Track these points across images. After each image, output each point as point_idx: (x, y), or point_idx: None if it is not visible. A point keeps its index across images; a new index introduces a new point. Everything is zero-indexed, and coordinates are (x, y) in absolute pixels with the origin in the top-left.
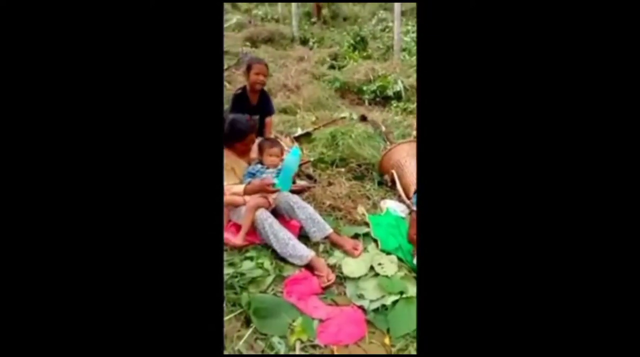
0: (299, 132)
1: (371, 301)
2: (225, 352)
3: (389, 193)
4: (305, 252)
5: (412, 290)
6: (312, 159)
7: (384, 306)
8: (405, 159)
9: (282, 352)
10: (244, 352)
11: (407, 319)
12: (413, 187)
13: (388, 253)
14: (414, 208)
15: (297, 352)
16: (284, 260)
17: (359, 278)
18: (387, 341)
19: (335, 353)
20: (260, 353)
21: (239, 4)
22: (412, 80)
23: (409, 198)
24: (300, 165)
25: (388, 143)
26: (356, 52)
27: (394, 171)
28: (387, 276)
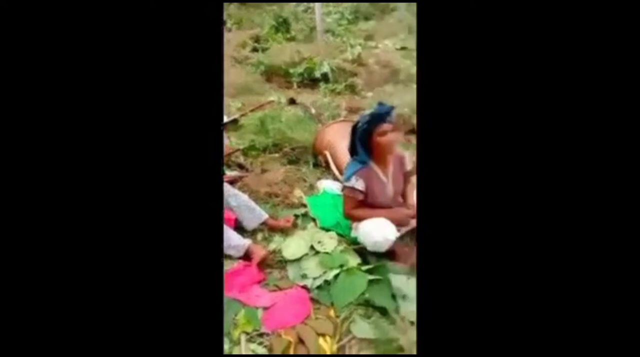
0: (225, 120)
1: (314, 279)
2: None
3: (325, 173)
4: (240, 242)
5: (352, 261)
6: (241, 147)
7: (326, 281)
8: (337, 138)
9: (225, 348)
10: None
11: (349, 289)
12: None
13: (327, 230)
14: (346, 184)
15: (243, 344)
16: None
17: (300, 259)
18: (332, 313)
19: (283, 335)
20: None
21: None
22: (338, 61)
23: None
24: (229, 154)
25: (319, 125)
26: (279, 34)
27: (327, 152)
28: (327, 252)
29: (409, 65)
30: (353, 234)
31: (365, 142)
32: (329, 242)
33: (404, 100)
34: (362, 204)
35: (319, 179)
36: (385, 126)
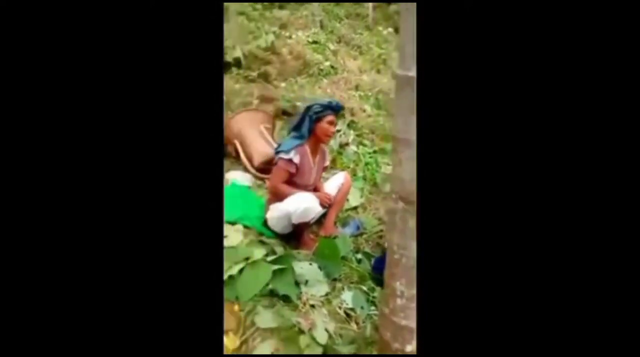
0: None
1: None
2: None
3: (234, 164)
4: None
5: (257, 253)
6: None
7: (230, 276)
8: (247, 128)
9: None
10: None
11: (253, 282)
12: (256, 155)
13: (233, 223)
14: (284, 156)
15: None
16: None
17: None
18: (236, 308)
19: None
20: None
21: None
22: (251, 47)
23: (253, 167)
24: None
25: (229, 112)
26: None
27: (236, 141)
28: (232, 247)
29: (320, 60)
30: (269, 214)
31: (312, 123)
32: (234, 235)
33: (314, 93)
34: (287, 182)
35: (227, 170)
36: (334, 117)
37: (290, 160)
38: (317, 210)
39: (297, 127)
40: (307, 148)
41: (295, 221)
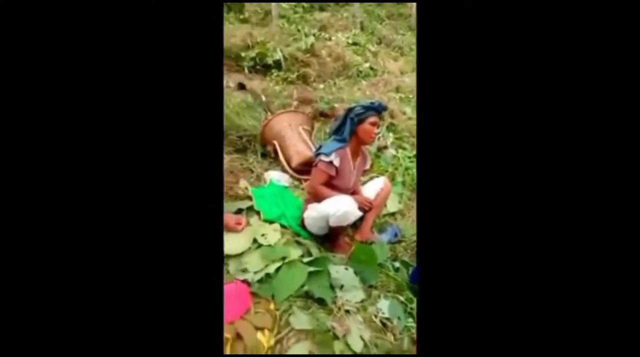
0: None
1: (255, 273)
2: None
3: (272, 164)
4: None
5: (294, 253)
6: None
7: (267, 274)
8: (287, 129)
9: None
10: None
11: (289, 282)
12: (295, 156)
13: (271, 222)
14: (324, 159)
15: None
16: None
17: (241, 254)
18: (271, 306)
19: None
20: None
21: None
22: (291, 49)
23: (291, 168)
24: None
25: (269, 113)
26: (231, 14)
27: (275, 142)
28: (270, 245)
29: (359, 62)
30: (306, 214)
31: (354, 125)
32: (272, 234)
33: (353, 95)
34: (326, 184)
35: (266, 169)
36: (377, 118)
37: (330, 163)
38: (356, 214)
39: (338, 130)
40: (348, 151)
41: (333, 223)
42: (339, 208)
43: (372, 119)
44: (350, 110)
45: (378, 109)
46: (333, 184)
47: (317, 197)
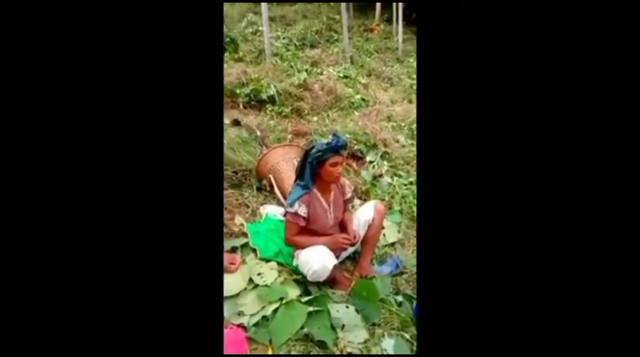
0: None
1: (251, 316)
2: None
3: (268, 198)
4: None
5: (292, 293)
6: None
7: (264, 317)
8: (281, 162)
9: None
10: None
11: (288, 324)
12: (289, 188)
13: (267, 260)
14: (289, 210)
15: None
16: None
17: (237, 295)
18: (269, 352)
19: None
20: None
21: None
22: (285, 84)
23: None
24: None
25: (264, 147)
26: (227, 54)
27: (271, 176)
28: (266, 285)
29: (350, 93)
30: (294, 262)
31: (315, 168)
32: (269, 273)
33: (346, 126)
34: (302, 230)
35: (262, 204)
36: (339, 158)
37: (296, 213)
38: (330, 268)
39: (300, 176)
40: (314, 194)
41: (311, 279)
42: (310, 266)
43: (332, 160)
44: (307, 153)
45: (335, 148)
46: (310, 229)
47: (298, 247)
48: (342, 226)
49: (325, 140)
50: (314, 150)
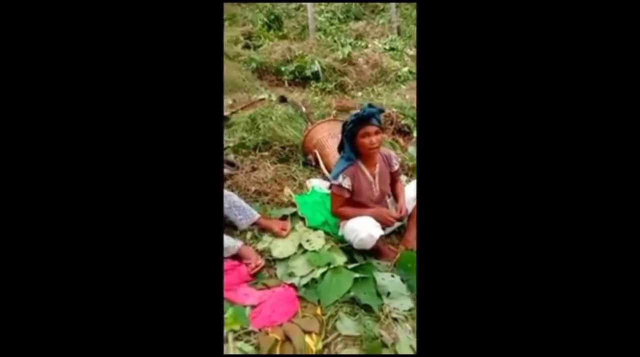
0: None
1: (301, 277)
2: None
3: (313, 172)
4: (232, 243)
5: (339, 260)
6: (231, 144)
7: (313, 279)
8: (326, 138)
9: None
10: None
11: (335, 287)
12: (334, 163)
13: (315, 229)
14: (334, 182)
15: (230, 342)
16: None
17: (288, 258)
18: (318, 311)
19: (270, 333)
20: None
21: None
22: (329, 60)
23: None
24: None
25: (309, 123)
26: (271, 31)
27: (316, 151)
28: (315, 251)
29: (397, 66)
30: (340, 232)
31: (351, 141)
32: (317, 240)
33: (392, 100)
34: (348, 202)
35: (308, 177)
36: (369, 128)
37: (340, 186)
38: (376, 237)
39: (342, 149)
40: (358, 166)
41: (356, 247)
42: (356, 235)
43: (363, 130)
44: (343, 126)
45: (363, 119)
46: (355, 201)
47: (343, 219)
48: (395, 197)
49: (353, 114)
50: (347, 123)
